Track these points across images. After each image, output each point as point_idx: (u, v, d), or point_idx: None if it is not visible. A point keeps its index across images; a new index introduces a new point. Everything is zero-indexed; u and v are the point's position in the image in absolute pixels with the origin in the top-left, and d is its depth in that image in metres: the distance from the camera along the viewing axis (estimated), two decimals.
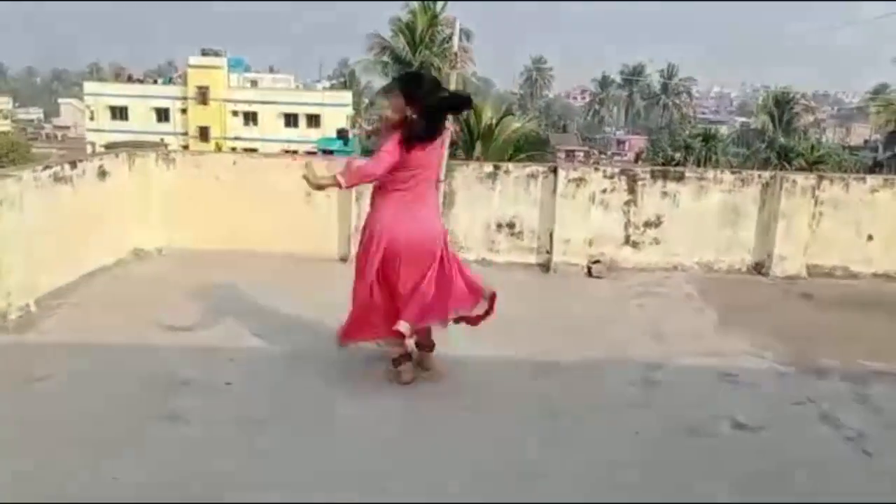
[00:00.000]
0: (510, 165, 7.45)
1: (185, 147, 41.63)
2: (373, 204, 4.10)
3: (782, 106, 44.46)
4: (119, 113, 49.49)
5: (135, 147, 7.14)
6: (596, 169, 7.22)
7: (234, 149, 42.62)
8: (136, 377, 4.17)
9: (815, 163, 36.12)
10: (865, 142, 58.92)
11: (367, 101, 51.12)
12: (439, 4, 37.32)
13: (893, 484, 3.29)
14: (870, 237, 7.06)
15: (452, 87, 7.68)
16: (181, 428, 3.61)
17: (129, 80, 55.53)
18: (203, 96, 48.41)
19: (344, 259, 7.03)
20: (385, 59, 38.03)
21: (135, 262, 6.69)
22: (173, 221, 6.97)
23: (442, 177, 6.91)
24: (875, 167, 32.86)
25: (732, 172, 7.38)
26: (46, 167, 5.69)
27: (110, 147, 7.49)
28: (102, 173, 6.34)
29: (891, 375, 4.57)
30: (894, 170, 26.54)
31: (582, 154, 60.66)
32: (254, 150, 36.01)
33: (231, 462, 3.31)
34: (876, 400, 4.21)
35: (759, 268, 7.11)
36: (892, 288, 6.83)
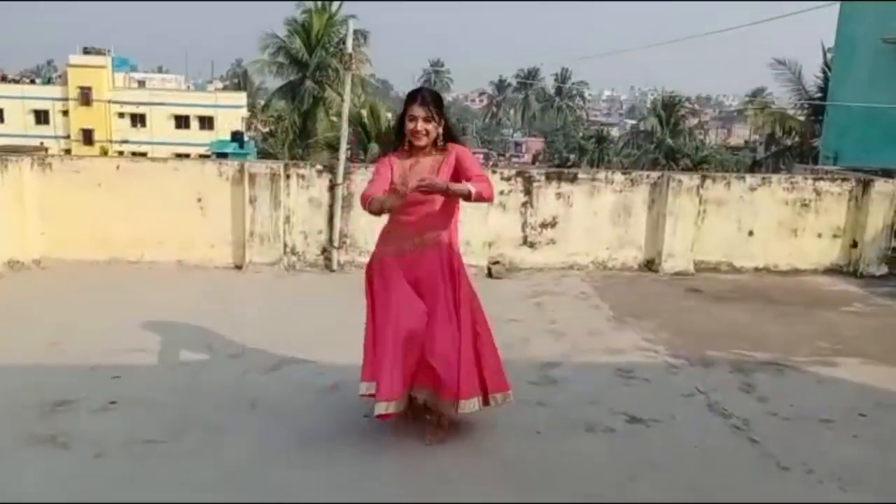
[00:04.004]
0: None
1: (68, 151, 39.51)
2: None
3: (669, 109, 46.29)
4: None
5: (9, 151, 6.67)
6: (494, 171, 7.29)
7: (121, 152, 40.81)
8: (12, 397, 3.88)
9: (699, 163, 37.86)
10: (745, 142, 62.22)
11: (262, 102, 49.86)
12: (335, 5, 37.03)
13: (778, 469, 3.45)
14: (750, 233, 7.45)
15: (348, 88, 7.60)
16: (63, 451, 3.37)
17: (4, 80, 52.18)
18: (86, 97, 46.00)
19: (239, 266, 6.81)
20: (280, 59, 37.38)
21: (10, 274, 6.28)
22: (52, 231, 6.58)
23: (339, 180, 6.82)
24: (755, 166, 34.74)
25: (623, 173, 7.62)
26: None
27: None
28: None
29: (774, 365, 4.82)
30: (772, 169, 28.20)
31: (481, 156, 61.41)
32: (143, 154, 34.61)
33: (118, 487, 3.11)
34: (761, 389, 4.43)
35: (650, 265, 7.36)
36: (772, 281, 7.23)
